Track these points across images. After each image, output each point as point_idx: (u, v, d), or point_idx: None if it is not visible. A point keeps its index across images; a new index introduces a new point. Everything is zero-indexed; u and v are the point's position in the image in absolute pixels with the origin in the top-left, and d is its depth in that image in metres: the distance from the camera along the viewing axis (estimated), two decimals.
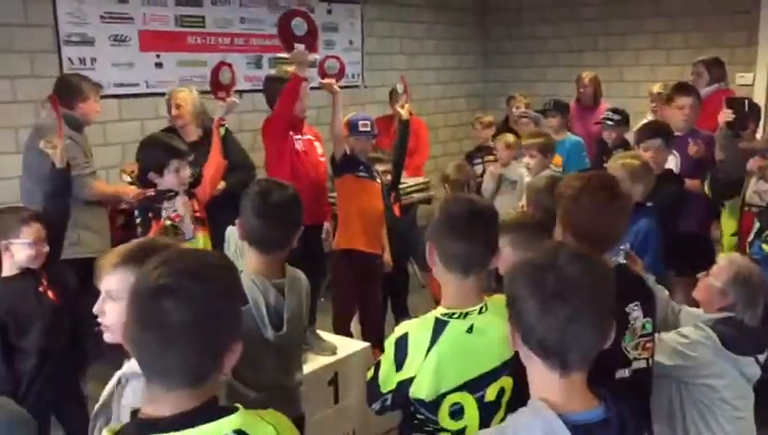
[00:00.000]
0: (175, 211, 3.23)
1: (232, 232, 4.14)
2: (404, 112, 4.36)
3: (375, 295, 4.20)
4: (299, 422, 2.37)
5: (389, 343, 1.84)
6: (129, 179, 4.14)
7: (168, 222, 3.23)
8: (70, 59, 4.93)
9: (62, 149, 3.00)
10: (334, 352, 3.41)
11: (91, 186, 3.97)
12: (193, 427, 1.18)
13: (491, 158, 5.57)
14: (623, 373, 2.03)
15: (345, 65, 4.21)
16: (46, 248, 2.79)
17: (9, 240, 2.72)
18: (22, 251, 2.73)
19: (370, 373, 1.91)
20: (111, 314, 1.69)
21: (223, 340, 1.23)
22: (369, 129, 4.06)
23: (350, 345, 3.56)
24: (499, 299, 2.02)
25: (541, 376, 1.32)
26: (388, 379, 1.82)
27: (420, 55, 7.71)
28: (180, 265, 1.21)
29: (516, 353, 1.82)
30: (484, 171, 5.56)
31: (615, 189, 2.08)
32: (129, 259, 1.68)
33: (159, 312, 1.16)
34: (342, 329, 3.98)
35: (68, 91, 4.03)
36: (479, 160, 5.70)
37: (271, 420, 1.31)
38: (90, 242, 3.87)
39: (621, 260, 2.33)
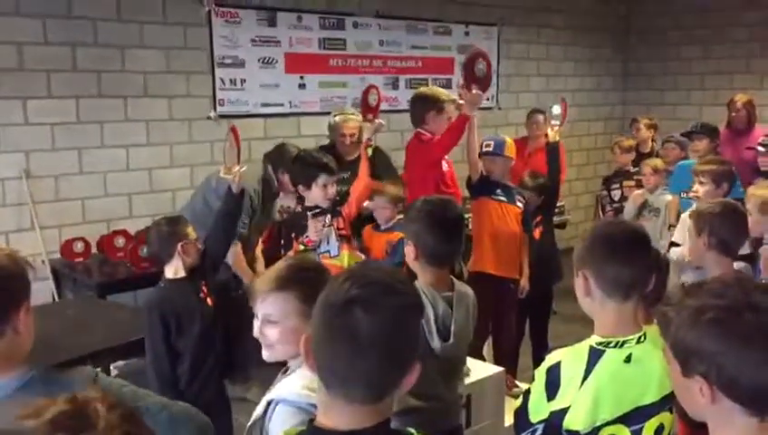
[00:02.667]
0: (307, 236, 3.32)
1: None
2: (552, 134, 4.27)
3: (508, 320, 4.11)
4: (455, 434, 2.43)
5: (540, 372, 1.79)
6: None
7: (302, 246, 3.33)
8: (222, 80, 5.23)
9: (239, 176, 3.20)
10: (467, 375, 3.36)
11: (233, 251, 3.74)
12: None
13: (630, 183, 5.37)
14: None
15: (491, 74, 4.19)
16: (202, 246, 3.02)
17: (183, 242, 2.93)
18: (194, 250, 2.95)
19: (518, 402, 1.86)
20: (271, 336, 1.77)
21: (408, 356, 1.22)
22: (491, 148, 4.01)
23: (483, 369, 3.48)
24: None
25: (732, 424, 1.19)
26: (539, 409, 1.76)
27: (557, 77, 7.57)
28: (370, 278, 1.22)
29: None
30: (622, 196, 5.38)
31: None
32: (282, 283, 1.76)
33: (351, 322, 1.17)
34: (475, 352, 3.93)
35: (281, 159, 3.97)
36: (617, 185, 5.52)
37: None
38: None
39: None
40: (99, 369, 3.85)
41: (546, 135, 4.39)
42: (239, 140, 3.48)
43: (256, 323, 1.80)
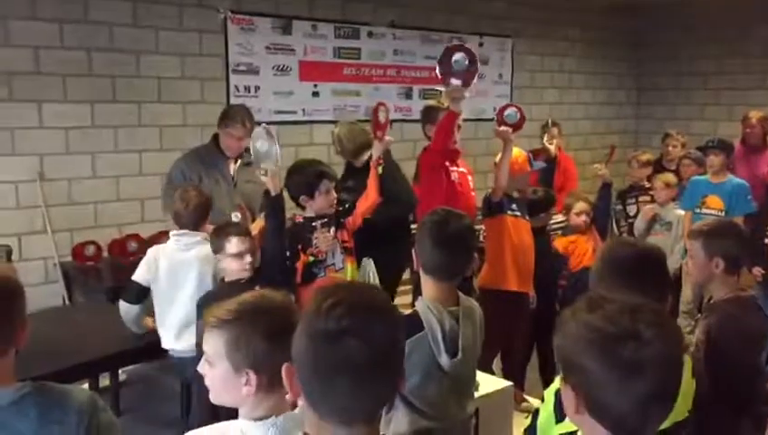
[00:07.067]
0: (317, 247, 3.32)
1: (368, 264, 4.17)
2: (553, 148, 4.31)
3: (521, 335, 4.09)
4: None
5: (549, 393, 1.78)
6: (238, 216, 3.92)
7: (312, 257, 3.33)
8: (236, 86, 5.26)
9: (276, 177, 3.24)
10: (476, 389, 3.34)
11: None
12: None
13: (646, 198, 5.33)
14: None
15: (525, 117, 4.06)
16: (248, 259, 3.01)
17: (218, 256, 3.01)
18: (228, 263, 2.99)
19: (528, 422, 1.85)
20: (207, 377, 1.59)
21: (400, 372, 1.22)
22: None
23: (492, 383, 3.46)
24: None
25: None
26: (548, 431, 1.75)
27: (570, 90, 7.57)
28: (359, 303, 1.19)
29: (691, 415, 1.72)
30: (638, 211, 5.34)
31: None
32: (225, 322, 1.56)
33: (348, 353, 1.13)
34: (484, 366, 3.90)
35: (222, 118, 3.95)
36: (633, 200, 5.46)
37: None
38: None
39: None
40: (109, 375, 3.85)
41: (545, 149, 4.43)
42: (275, 140, 3.51)
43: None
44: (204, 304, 2.92)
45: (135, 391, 4.41)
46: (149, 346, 3.43)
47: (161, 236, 4.57)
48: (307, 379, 1.18)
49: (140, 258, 4.40)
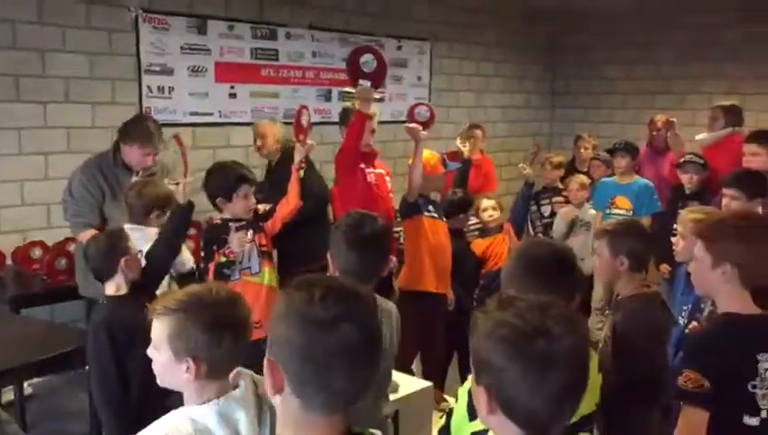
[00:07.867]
0: (229, 248, 3.26)
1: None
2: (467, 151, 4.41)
3: (439, 336, 4.13)
4: None
5: (463, 392, 1.79)
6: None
7: (223, 258, 3.27)
8: (149, 87, 5.09)
9: (185, 187, 3.10)
10: (395, 390, 3.35)
11: (76, 235, 3.87)
12: None
13: (559, 199, 5.49)
14: (751, 421, 1.91)
15: (435, 114, 4.10)
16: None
17: (126, 257, 2.68)
18: (136, 265, 2.73)
19: (442, 421, 1.86)
20: (155, 361, 1.69)
21: (380, 356, 1.24)
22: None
23: (411, 384, 3.49)
24: None
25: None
26: (461, 429, 1.76)
27: (487, 93, 7.71)
28: (343, 292, 1.21)
29: (598, 408, 1.77)
30: (552, 212, 5.48)
31: None
32: (169, 311, 1.66)
33: (345, 339, 1.14)
34: (404, 367, 3.91)
35: (128, 134, 3.84)
36: (546, 201, 5.61)
37: None
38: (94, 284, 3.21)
39: None
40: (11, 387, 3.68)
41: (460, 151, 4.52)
42: (185, 148, 3.43)
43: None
44: (98, 322, 2.66)
45: (42, 405, 4.20)
46: (57, 357, 3.28)
47: (68, 243, 4.39)
48: (300, 368, 1.17)
49: (45, 266, 4.29)
